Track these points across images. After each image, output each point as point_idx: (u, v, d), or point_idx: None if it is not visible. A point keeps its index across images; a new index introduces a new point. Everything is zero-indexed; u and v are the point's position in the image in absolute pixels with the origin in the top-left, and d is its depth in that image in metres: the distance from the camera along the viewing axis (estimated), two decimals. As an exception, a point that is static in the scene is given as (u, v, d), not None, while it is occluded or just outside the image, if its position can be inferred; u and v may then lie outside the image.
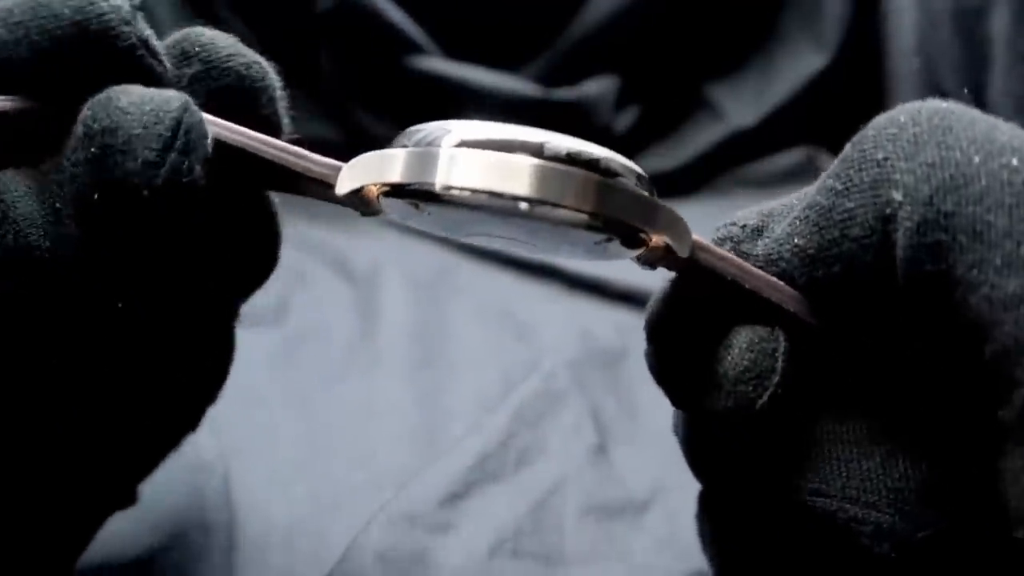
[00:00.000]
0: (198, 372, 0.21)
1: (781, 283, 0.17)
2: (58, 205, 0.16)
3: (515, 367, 0.35)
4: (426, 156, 0.15)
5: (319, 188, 0.17)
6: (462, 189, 0.15)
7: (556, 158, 0.15)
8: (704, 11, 0.53)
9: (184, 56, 0.18)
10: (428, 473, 0.28)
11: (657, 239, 0.16)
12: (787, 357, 0.17)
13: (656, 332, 0.19)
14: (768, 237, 0.17)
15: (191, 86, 0.17)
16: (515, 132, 0.15)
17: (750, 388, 0.17)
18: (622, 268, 0.18)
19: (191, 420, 0.21)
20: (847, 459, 0.17)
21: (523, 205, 0.15)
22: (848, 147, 0.16)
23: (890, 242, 0.15)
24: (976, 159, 0.14)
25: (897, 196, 0.15)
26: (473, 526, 0.26)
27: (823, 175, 0.17)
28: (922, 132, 0.15)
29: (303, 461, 0.30)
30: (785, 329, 0.17)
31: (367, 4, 0.47)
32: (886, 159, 0.15)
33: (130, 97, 0.15)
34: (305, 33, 0.48)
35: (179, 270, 0.18)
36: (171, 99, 0.16)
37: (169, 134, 0.15)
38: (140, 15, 0.17)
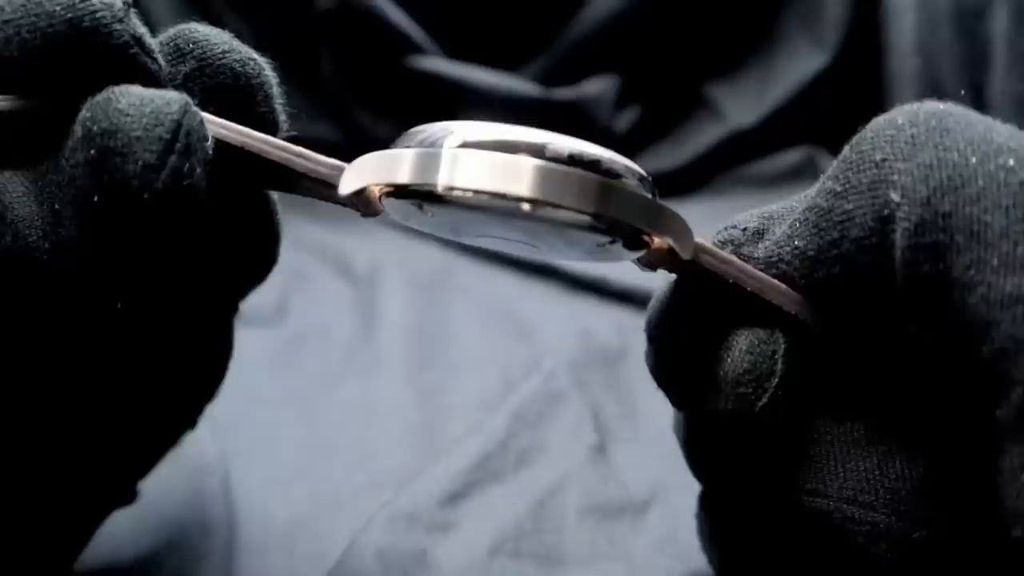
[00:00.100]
0: (197, 370, 0.21)
1: (782, 285, 0.17)
2: (57, 206, 0.16)
3: (515, 367, 0.35)
4: (428, 157, 0.15)
5: (321, 188, 0.17)
6: (464, 190, 0.15)
7: (558, 159, 0.15)
8: (704, 11, 0.53)
9: (178, 53, 0.17)
10: (428, 473, 0.28)
11: (659, 241, 0.16)
12: (786, 359, 0.17)
13: (656, 334, 0.19)
14: (769, 239, 0.17)
15: (186, 84, 0.17)
16: (517, 133, 0.15)
17: (750, 390, 0.17)
18: (622, 268, 0.18)
19: (190, 418, 0.21)
20: (844, 459, 0.17)
21: (525, 206, 0.15)
22: (846, 149, 0.16)
23: (888, 243, 0.15)
24: (973, 160, 0.14)
25: (895, 197, 0.15)
26: (473, 526, 0.26)
27: (822, 177, 0.17)
28: (919, 133, 0.15)
29: (303, 461, 0.30)
30: (785, 331, 0.17)
31: (367, 4, 0.47)
32: (884, 160, 0.15)
33: (129, 98, 0.15)
34: (305, 33, 0.48)
35: (179, 270, 0.18)
36: (171, 100, 0.16)
37: (169, 136, 0.15)
38: (133, 12, 0.17)
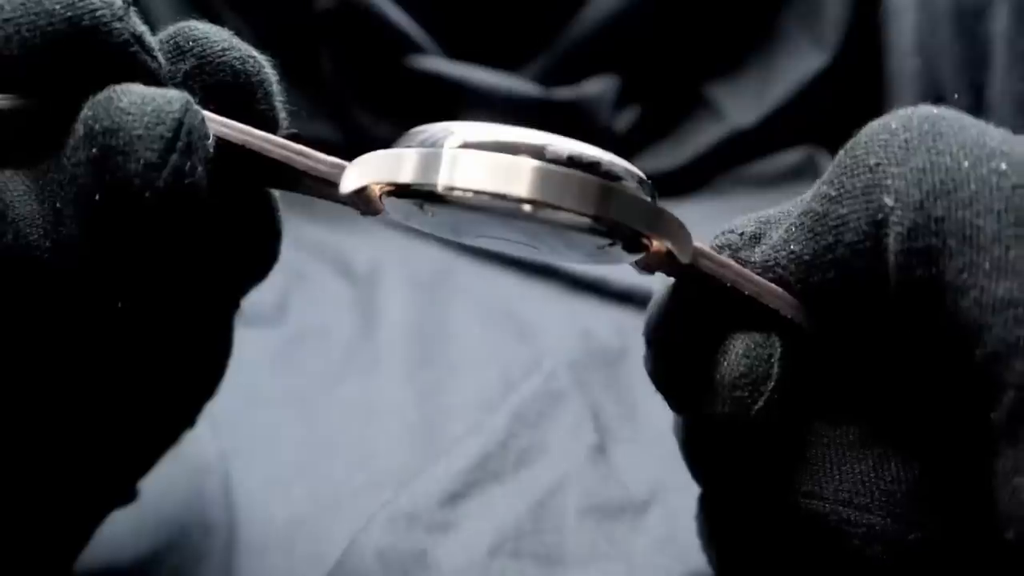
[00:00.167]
0: (197, 368, 0.21)
1: (779, 289, 0.17)
2: (58, 205, 0.16)
3: (515, 367, 0.35)
4: (429, 157, 0.15)
5: (321, 186, 0.17)
6: (464, 190, 0.15)
7: (558, 160, 0.15)
8: (704, 11, 0.53)
9: (178, 51, 0.17)
10: (428, 473, 0.28)
11: (658, 244, 0.16)
12: (782, 363, 0.17)
13: (654, 337, 0.19)
14: (765, 244, 0.17)
15: (186, 82, 0.17)
16: (518, 134, 0.15)
17: (746, 394, 0.17)
18: (622, 268, 0.18)
19: (189, 416, 0.21)
20: (840, 462, 0.17)
21: (525, 207, 0.15)
22: (841, 153, 0.16)
23: (882, 247, 0.15)
24: (966, 164, 0.14)
25: (888, 201, 0.15)
26: (473, 526, 0.26)
27: (818, 182, 0.17)
28: (913, 137, 0.15)
29: (303, 461, 0.30)
30: (782, 335, 0.17)
31: (367, 4, 0.47)
32: (878, 165, 0.15)
33: (131, 97, 0.15)
34: (305, 33, 0.48)
35: (180, 268, 0.18)
36: (173, 99, 0.16)
37: (171, 135, 0.15)
38: (133, 11, 0.17)
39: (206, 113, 0.16)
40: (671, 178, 0.51)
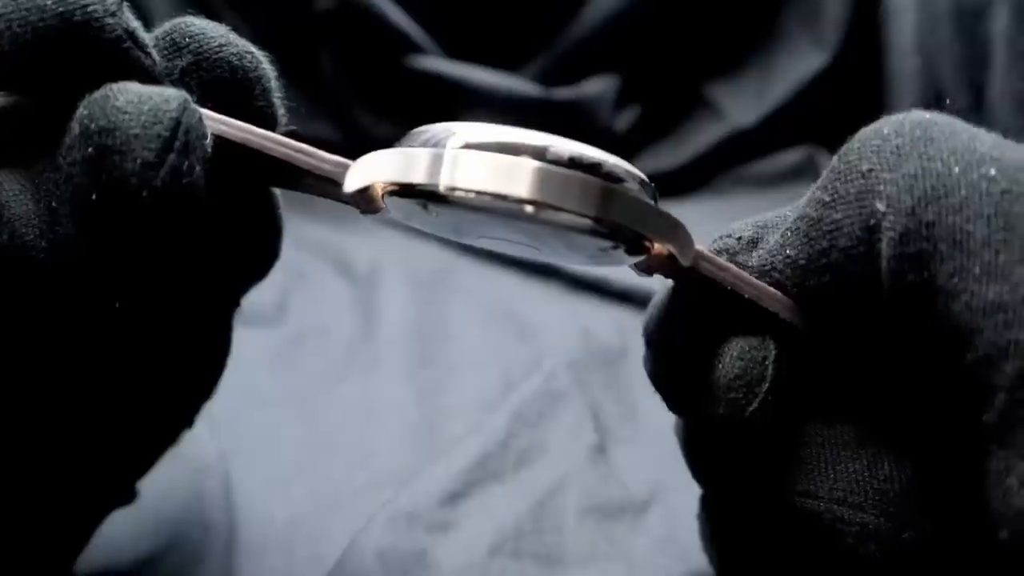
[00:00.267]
0: (196, 367, 0.21)
1: (777, 292, 0.17)
2: (54, 204, 0.16)
3: (515, 367, 0.35)
4: (432, 157, 0.15)
5: (323, 185, 0.17)
6: (466, 191, 0.15)
7: (559, 162, 0.15)
8: (704, 11, 0.53)
9: (175, 48, 0.17)
10: (428, 473, 0.28)
11: (659, 247, 0.16)
12: (777, 365, 0.17)
13: (654, 339, 0.19)
14: (762, 248, 0.18)
15: (183, 79, 0.17)
16: (520, 135, 0.15)
17: (740, 395, 0.17)
18: (623, 269, 0.18)
19: (188, 416, 0.21)
20: (834, 462, 0.17)
21: (527, 208, 0.15)
22: (835, 159, 0.16)
23: (875, 252, 0.15)
24: (956, 169, 0.14)
25: (881, 207, 0.15)
26: (473, 526, 0.26)
27: (812, 187, 0.17)
28: (904, 143, 0.15)
29: (303, 461, 0.30)
30: (778, 337, 0.17)
31: (367, 4, 0.47)
32: (870, 171, 0.15)
33: (127, 96, 0.15)
34: (305, 33, 0.48)
35: (179, 268, 0.18)
36: (170, 98, 0.15)
37: (168, 134, 0.15)
38: (126, 6, 0.16)
39: (204, 111, 0.16)
40: (671, 178, 0.51)
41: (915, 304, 0.15)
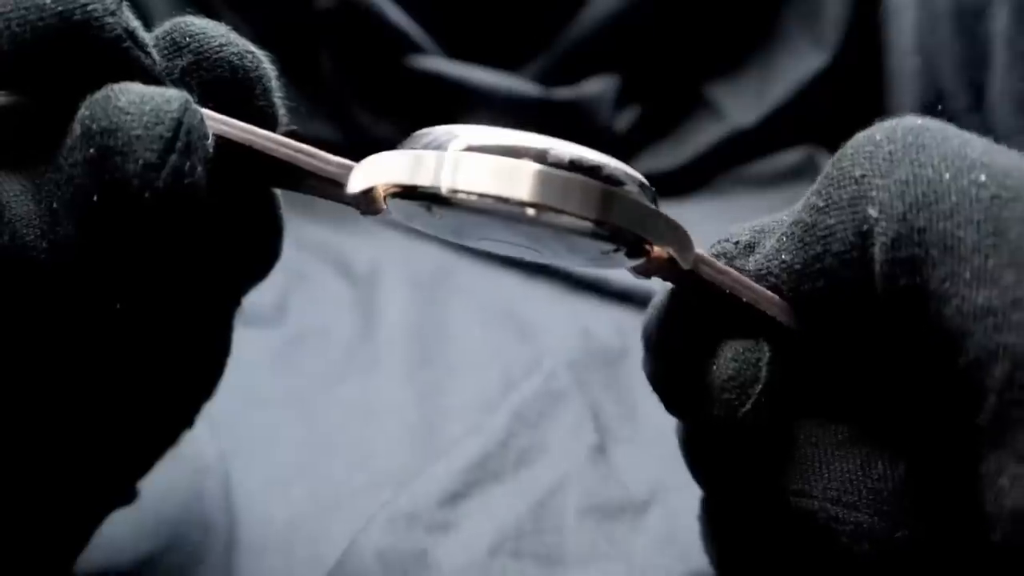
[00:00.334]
0: (196, 368, 0.21)
1: (775, 296, 0.17)
2: (55, 205, 0.16)
3: (515, 367, 0.35)
4: (434, 159, 0.15)
5: (326, 186, 0.17)
6: (468, 193, 0.15)
7: (560, 164, 0.15)
8: (704, 11, 0.53)
9: (175, 47, 0.17)
10: (428, 473, 0.28)
11: (659, 250, 0.17)
12: (771, 367, 0.17)
13: (652, 342, 0.19)
14: (759, 253, 0.18)
15: (183, 78, 0.17)
16: (520, 138, 0.15)
17: (734, 396, 0.17)
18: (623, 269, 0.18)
19: (188, 417, 0.21)
20: (828, 461, 0.17)
21: (528, 211, 0.15)
22: (829, 165, 0.17)
23: (868, 257, 0.15)
24: (947, 176, 0.14)
25: (873, 213, 0.15)
26: (473, 526, 0.26)
27: (808, 192, 0.17)
28: (896, 150, 0.15)
29: (303, 461, 0.30)
30: (774, 340, 0.17)
31: (367, 3, 0.47)
32: (863, 176, 0.16)
33: (129, 96, 0.15)
34: (305, 32, 0.48)
35: (180, 270, 0.18)
36: (171, 98, 0.15)
37: (170, 135, 0.15)
38: (126, 6, 0.16)
39: (206, 112, 0.16)
40: (671, 178, 0.51)
41: (908, 308, 0.15)
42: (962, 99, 0.45)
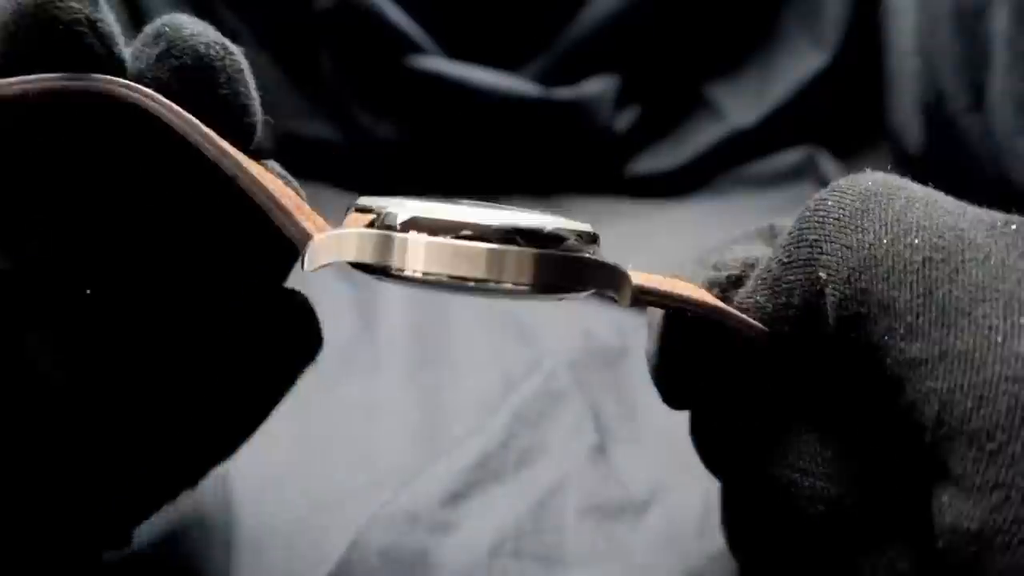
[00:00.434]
0: (215, 435, 0.21)
1: (735, 312, 0.19)
2: None
3: (516, 367, 0.35)
4: (381, 240, 0.17)
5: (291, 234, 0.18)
6: (415, 271, 0.17)
7: (498, 237, 0.17)
8: (704, 11, 0.53)
9: (155, 36, 0.18)
10: (429, 473, 0.28)
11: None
12: (765, 369, 0.19)
13: (658, 365, 0.20)
14: (743, 289, 0.19)
15: (158, 62, 0.18)
16: (460, 213, 0.17)
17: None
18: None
19: (193, 477, 0.22)
20: (799, 441, 0.19)
21: (470, 283, 0.17)
22: (794, 222, 0.18)
23: (824, 312, 0.17)
24: (885, 241, 0.16)
25: (823, 275, 0.17)
26: (474, 526, 0.26)
27: (777, 242, 0.19)
28: (844, 216, 0.17)
29: (303, 461, 0.30)
30: (755, 350, 0.19)
31: (367, 4, 0.47)
32: (816, 241, 0.17)
33: None
34: (305, 32, 0.48)
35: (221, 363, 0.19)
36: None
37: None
38: (105, 4, 0.17)
39: (221, 145, 0.17)
40: (671, 178, 0.51)
41: (857, 356, 0.17)
42: (962, 99, 0.45)
